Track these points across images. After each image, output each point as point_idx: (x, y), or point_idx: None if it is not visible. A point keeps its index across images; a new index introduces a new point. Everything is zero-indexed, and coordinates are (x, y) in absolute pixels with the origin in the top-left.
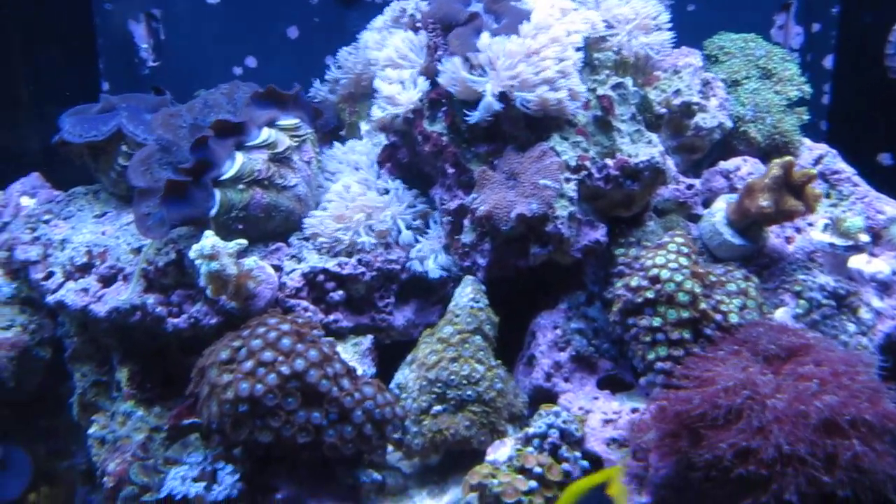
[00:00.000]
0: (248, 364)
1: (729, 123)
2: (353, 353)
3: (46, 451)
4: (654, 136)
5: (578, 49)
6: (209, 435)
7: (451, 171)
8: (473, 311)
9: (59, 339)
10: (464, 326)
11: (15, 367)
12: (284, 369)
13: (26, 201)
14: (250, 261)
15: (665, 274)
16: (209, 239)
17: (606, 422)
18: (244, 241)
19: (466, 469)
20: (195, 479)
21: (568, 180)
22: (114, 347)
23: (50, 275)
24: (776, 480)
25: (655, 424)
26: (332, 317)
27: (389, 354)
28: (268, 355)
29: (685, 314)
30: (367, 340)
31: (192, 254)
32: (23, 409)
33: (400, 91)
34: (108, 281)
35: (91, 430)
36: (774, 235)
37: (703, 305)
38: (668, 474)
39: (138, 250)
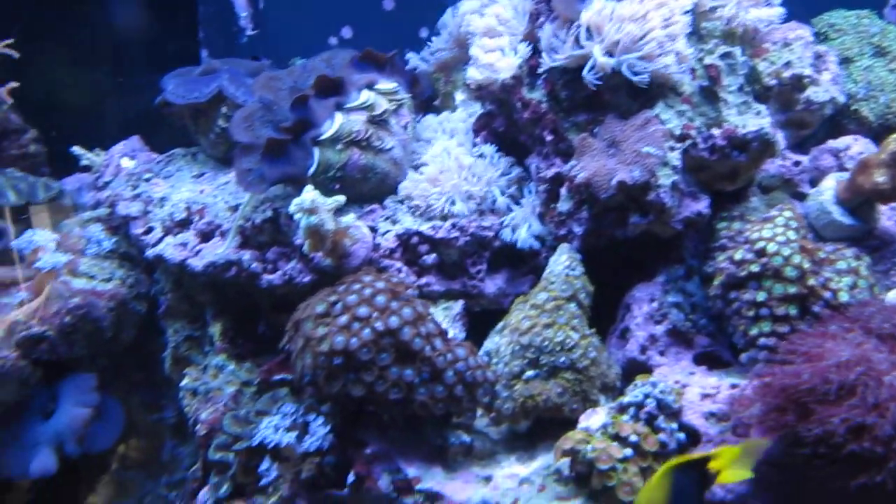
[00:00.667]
0: (344, 318)
1: (842, 98)
2: (444, 317)
3: (138, 403)
4: (762, 108)
5: (686, 12)
6: (302, 387)
7: (549, 138)
8: (569, 278)
9: (153, 297)
10: (559, 293)
11: (114, 318)
12: (379, 325)
13: (126, 163)
14: (348, 218)
15: (772, 247)
16: (310, 193)
17: (705, 396)
18: (342, 198)
19: (556, 437)
20: (287, 429)
21: (672, 149)
22: (207, 304)
23: (150, 230)
24: (893, 459)
25: (760, 398)
26: (423, 280)
27: (478, 323)
28: (363, 311)
29: (792, 289)
30: (457, 305)
31: (292, 207)
32: (118, 361)
33: (499, 58)
34: (205, 236)
35: (184, 383)
36: (885, 217)
37: (811, 282)
38: (772, 450)
39: (235, 208)
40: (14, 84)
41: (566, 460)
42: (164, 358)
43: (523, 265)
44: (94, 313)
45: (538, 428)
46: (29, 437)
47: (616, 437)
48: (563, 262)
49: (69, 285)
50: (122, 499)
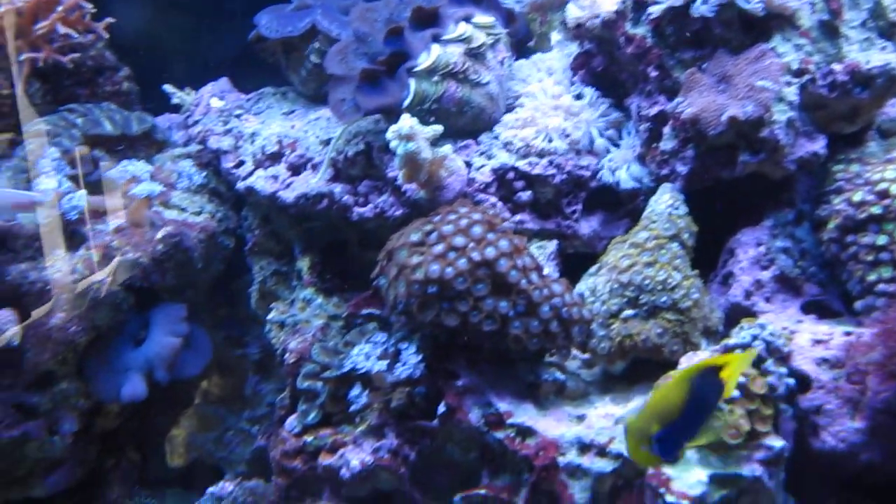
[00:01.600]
0: (440, 247)
1: None
2: (538, 256)
3: (222, 339)
4: (888, 45)
5: None
6: (394, 316)
7: (653, 74)
8: (672, 217)
9: (240, 235)
10: (661, 232)
11: (203, 250)
12: (475, 255)
13: (216, 103)
14: (445, 149)
15: None
16: (407, 120)
17: (816, 342)
18: (439, 128)
19: (654, 379)
20: (379, 358)
21: (788, 84)
22: (295, 239)
23: (241, 163)
24: None
25: (881, 343)
26: (518, 217)
27: (570, 266)
28: (459, 240)
29: None
30: (551, 245)
31: (389, 133)
32: (205, 295)
33: None
34: (296, 169)
35: (271, 316)
36: None
37: None
38: (890, 398)
39: (327, 142)
40: (110, 20)
41: None
42: (251, 293)
43: (620, 208)
44: (185, 243)
45: (634, 370)
46: (120, 362)
47: None
48: (665, 201)
49: (161, 215)
50: (205, 432)
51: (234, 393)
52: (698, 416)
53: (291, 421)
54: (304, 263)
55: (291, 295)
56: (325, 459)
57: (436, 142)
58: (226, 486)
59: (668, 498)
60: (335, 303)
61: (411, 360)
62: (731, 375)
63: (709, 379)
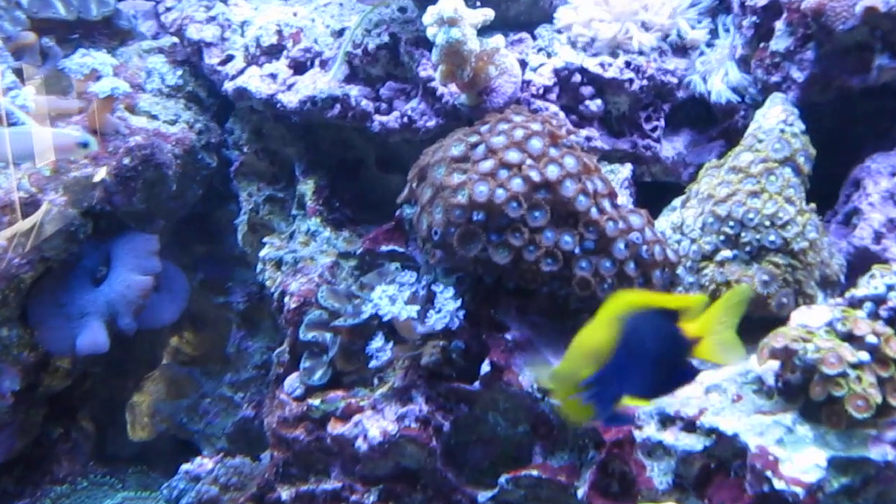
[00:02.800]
0: (488, 164)
1: None
2: None
3: (200, 283)
4: None
5: None
6: (426, 252)
7: None
8: (785, 135)
9: (224, 155)
10: (769, 154)
11: (179, 168)
12: (534, 175)
13: None
14: (496, 39)
15: None
16: (450, 0)
17: None
18: (490, 12)
19: (756, 338)
20: (407, 302)
21: None
22: (297, 157)
23: (228, 59)
24: None
25: None
26: (584, 132)
27: (647, 198)
28: (514, 155)
29: None
30: (625, 169)
31: (426, 17)
32: (180, 227)
33: None
34: (300, 67)
35: (264, 252)
36: None
37: None
38: None
39: (340, 33)
40: None
41: (772, 365)
42: (237, 225)
43: (712, 127)
44: (157, 157)
45: None
46: (76, 305)
47: (848, 337)
48: (776, 116)
49: (128, 122)
50: (175, 399)
51: (213, 351)
52: (633, 364)
53: (292, 381)
54: (306, 187)
55: (290, 227)
56: (336, 428)
57: (483, 32)
58: (204, 463)
59: (777, 483)
60: (346, 237)
61: (448, 306)
62: (707, 327)
63: (650, 322)
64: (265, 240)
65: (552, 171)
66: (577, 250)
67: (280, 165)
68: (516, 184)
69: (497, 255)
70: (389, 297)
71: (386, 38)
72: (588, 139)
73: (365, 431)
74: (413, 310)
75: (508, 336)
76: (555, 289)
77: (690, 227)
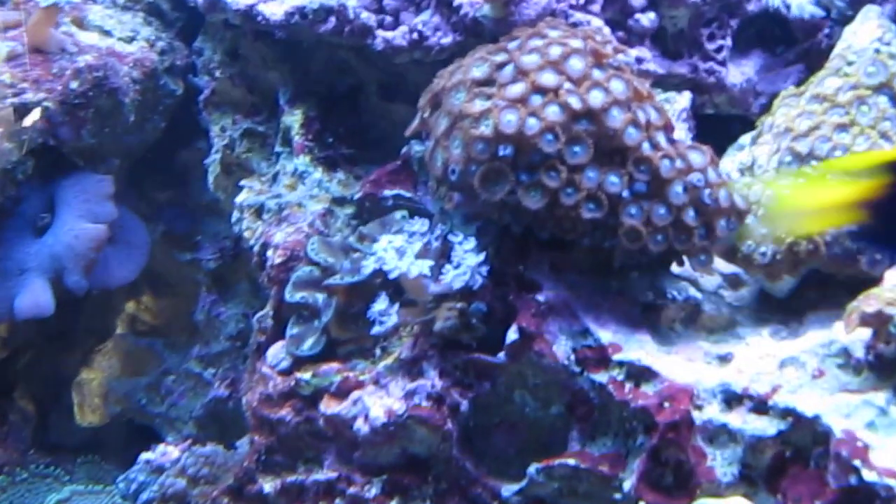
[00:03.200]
0: (518, 87)
1: None
2: None
3: (161, 236)
4: None
5: None
6: (441, 195)
7: None
8: (880, 56)
9: (193, 83)
10: (861, 79)
11: (138, 96)
12: (574, 101)
13: None
14: None
15: None
16: None
17: None
18: None
19: (839, 304)
20: (417, 256)
21: None
22: (281, 83)
23: None
24: None
25: None
26: (634, 52)
27: (709, 133)
28: (549, 78)
29: None
30: (683, 98)
31: None
32: (138, 168)
33: None
34: None
35: (241, 198)
36: None
37: None
38: None
39: None
40: None
41: (862, 334)
42: (207, 166)
43: (790, 48)
44: (112, 81)
45: (806, 292)
46: (13, 259)
47: None
48: (869, 34)
49: (75, 39)
50: (132, 376)
51: (178, 319)
52: None
53: (277, 351)
54: (293, 119)
55: (273, 167)
56: (331, 407)
57: None
58: (168, 452)
59: (867, 475)
60: (341, 180)
61: (468, 260)
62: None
63: None
64: (242, 183)
65: (596, 98)
66: (625, 193)
67: (260, 93)
68: (552, 112)
69: (528, 198)
70: (396, 250)
71: None
72: (639, 60)
73: (366, 411)
74: (425, 265)
75: (540, 297)
76: (597, 240)
77: (763, 167)
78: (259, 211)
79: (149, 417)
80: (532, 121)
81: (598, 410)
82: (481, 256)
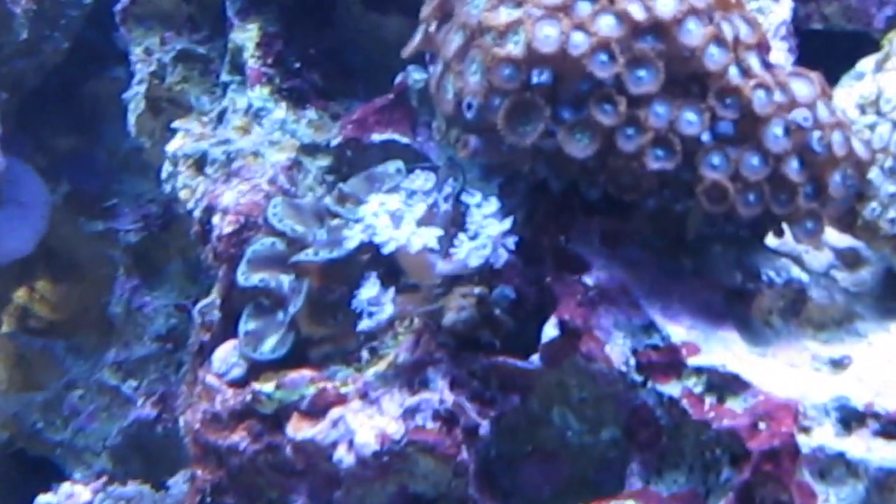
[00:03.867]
0: None
1: None
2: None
3: (65, 198)
4: None
5: None
6: (451, 138)
7: None
8: None
9: None
10: None
11: (33, 4)
12: (636, 10)
13: None
14: None
15: None
16: None
17: None
18: None
19: None
20: (420, 223)
21: None
22: None
23: None
24: None
25: None
26: None
27: (816, 56)
28: None
29: None
30: (781, 7)
31: None
32: (33, 107)
33: None
34: None
35: (174, 146)
36: None
37: None
38: None
39: None
40: None
41: None
42: (127, 101)
43: None
44: None
45: None
46: None
47: None
48: None
49: None
50: (22, 389)
51: (85, 312)
52: None
53: (226, 354)
54: (247, 37)
55: (219, 103)
56: (301, 430)
57: None
58: (76, 493)
59: None
60: (312, 120)
61: (489, 229)
62: None
63: None
64: (176, 125)
65: (665, 5)
66: (705, 137)
67: (200, 4)
68: (606, 24)
69: (572, 143)
70: (390, 215)
71: None
72: None
73: (350, 435)
74: (430, 235)
75: (589, 279)
76: (666, 201)
77: (891, 102)
78: (200, 163)
79: (47, 446)
80: (578, 36)
81: (668, 434)
82: (507, 223)
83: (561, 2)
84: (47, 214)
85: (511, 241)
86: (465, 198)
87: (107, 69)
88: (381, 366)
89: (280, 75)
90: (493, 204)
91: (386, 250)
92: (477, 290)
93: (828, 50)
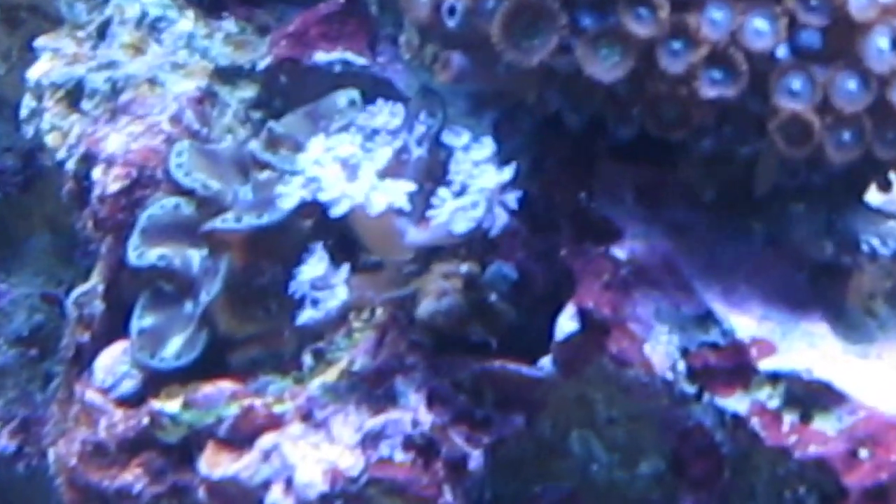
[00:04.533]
0: None
1: None
2: None
3: None
4: None
5: None
6: (433, 54)
7: None
8: None
9: None
10: None
11: None
12: None
13: None
14: None
15: None
16: None
17: None
18: None
19: None
20: (382, 174)
21: None
22: None
23: None
24: None
25: None
26: None
27: None
28: None
29: None
30: None
31: None
32: None
33: None
34: None
35: (37, 72)
36: None
37: None
38: None
39: None
40: None
41: None
42: None
43: None
44: None
45: None
46: None
47: None
48: None
49: None
50: None
51: None
52: None
53: (113, 362)
54: None
55: (99, 13)
56: (219, 466)
57: None
58: None
59: None
60: (231, 34)
61: (481, 181)
62: None
63: None
64: (38, 43)
65: None
66: (781, 52)
67: None
68: None
69: (596, 61)
70: (342, 164)
71: None
72: None
73: (288, 472)
74: (399, 191)
75: (620, 251)
76: (727, 142)
77: None
78: (74, 95)
79: None
80: None
81: (733, 467)
82: (506, 173)
83: None
84: None
85: (512, 199)
86: (446, 138)
87: None
88: (331, 375)
89: None
90: (486, 147)
91: (335, 212)
92: (464, 267)
93: None
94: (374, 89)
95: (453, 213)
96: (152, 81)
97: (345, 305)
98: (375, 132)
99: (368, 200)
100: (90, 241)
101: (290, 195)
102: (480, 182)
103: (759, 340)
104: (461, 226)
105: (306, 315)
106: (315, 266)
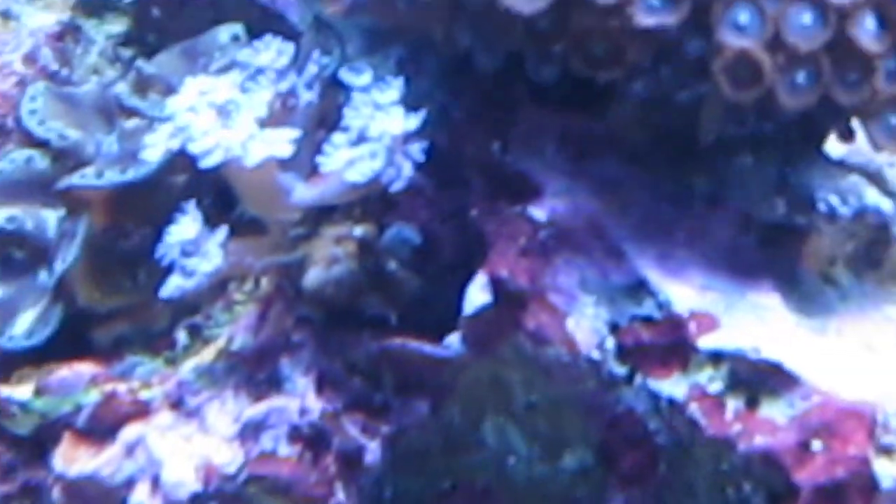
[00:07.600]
0: None
1: None
2: None
3: None
4: None
5: None
6: None
7: None
8: None
9: None
10: None
11: None
12: None
13: None
14: None
15: None
16: None
17: None
18: None
19: None
20: (265, 123)
21: None
22: None
23: None
24: None
25: None
26: None
27: None
28: None
29: None
30: None
31: None
32: None
33: None
34: None
35: None
36: None
37: None
38: None
39: None
40: None
41: None
42: None
43: None
44: None
45: None
46: None
47: None
48: None
49: None
50: None
51: None
52: None
53: None
54: None
55: None
56: (75, 461)
57: None
58: None
59: None
60: None
61: (381, 125)
62: None
63: None
64: None
65: None
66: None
67: None
68: None
69: None
70: (217, 109)
71: None
72: None
73: (155, 468)
74: (282, 140)
75: (539, 211)
76: (665, 85)
77: None
78: None
79: None
80: None
81: (668, 459)
82: (413, 121)
83: None
84: None
85: (417, 150)
86: (344, 76)
87: None
88: (207, 355)
89: None
90: (393, 88)
91: (206, 164)
92: (359, 230)
93: None
94: (263, 23)
95: (348, 165)
96: (5, 15)
97: (219, 272)
98: (260, 72)
99: (245, 150)
100: None
101: (155, 146)
102: (380, 126)
103: (699, 314)
104: (356, 177)
105: (173, 284)
106: (186, 227)
